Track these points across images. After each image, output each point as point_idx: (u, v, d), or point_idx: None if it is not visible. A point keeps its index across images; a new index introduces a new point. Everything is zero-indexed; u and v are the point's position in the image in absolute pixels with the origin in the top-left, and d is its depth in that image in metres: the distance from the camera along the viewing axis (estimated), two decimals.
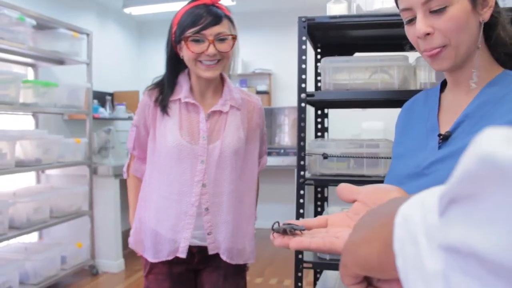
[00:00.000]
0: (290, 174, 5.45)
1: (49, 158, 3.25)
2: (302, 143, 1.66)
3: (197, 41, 1.37)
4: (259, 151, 1.57)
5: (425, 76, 1.62)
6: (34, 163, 3.11)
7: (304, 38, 1.65)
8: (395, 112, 1.20)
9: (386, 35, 1.91)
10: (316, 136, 2.21)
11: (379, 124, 5.08)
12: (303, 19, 1.64)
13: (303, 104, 1.65)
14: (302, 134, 1.66)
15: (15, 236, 2.93)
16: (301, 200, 1.68)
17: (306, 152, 1.67)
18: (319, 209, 2.21)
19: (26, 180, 3.70)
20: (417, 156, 0.94)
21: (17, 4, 3.06)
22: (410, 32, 0.92)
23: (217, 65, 1.40)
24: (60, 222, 3.33)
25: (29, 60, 3.60)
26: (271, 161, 5.43)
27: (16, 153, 2.96)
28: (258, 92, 5.97)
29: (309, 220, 0.64)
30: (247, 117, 1.53)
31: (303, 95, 1.64)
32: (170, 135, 1.41)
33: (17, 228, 2.95)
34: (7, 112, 3.47)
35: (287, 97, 5.99)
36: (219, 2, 1.43)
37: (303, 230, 0.62)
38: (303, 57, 1.65)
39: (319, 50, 2.18)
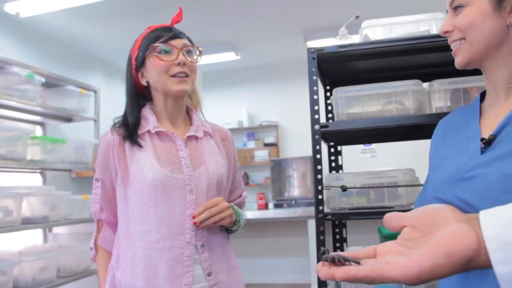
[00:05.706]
0: (303, 226, 5.29)
1: (56, 215, 3.17)
2: (319, 176, 1.58)
3: (165, 51, 1.33)
4: (238, 186, 1.50)
5: (440, 100, 1.57)
6: (41, 220, 3.03)
7: (314, 69, 1.62)
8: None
9: (395, 65, 1.89)
10: None
11: None
12: (312, 50, 1.62)
13: (317, 136, 1.59)
14: (319, 167, 1.59)
15: None
16: (322, 237, 1.58)
17: (324, 185, 1.59)
18: (338, 250, 2.09)
19: (32, 239, 3.59)
20: (456, 162, 0.90)
21: (26, 62, 3.11)
22: None
23: (187, 79, 1.34)
24: (67, 282, 3.19)
25: (37, 118, 3.62)
26: (282, 213, 5.30)
27: (23, 210, 2.89)
28: (266, 145, 5.94)
29: (356, 251, 0.60)
30: (222, 144, 1.45)
31: (316, 126, 1.59)
32: (149, 169, 1.26)
33: None
34: (14, 169, 3.43)
35: (295, 148, 5.96)
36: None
37: (356, 262, 0.57)
38: (315, 88, 1.62)
39: (328, 87, 2.16)
